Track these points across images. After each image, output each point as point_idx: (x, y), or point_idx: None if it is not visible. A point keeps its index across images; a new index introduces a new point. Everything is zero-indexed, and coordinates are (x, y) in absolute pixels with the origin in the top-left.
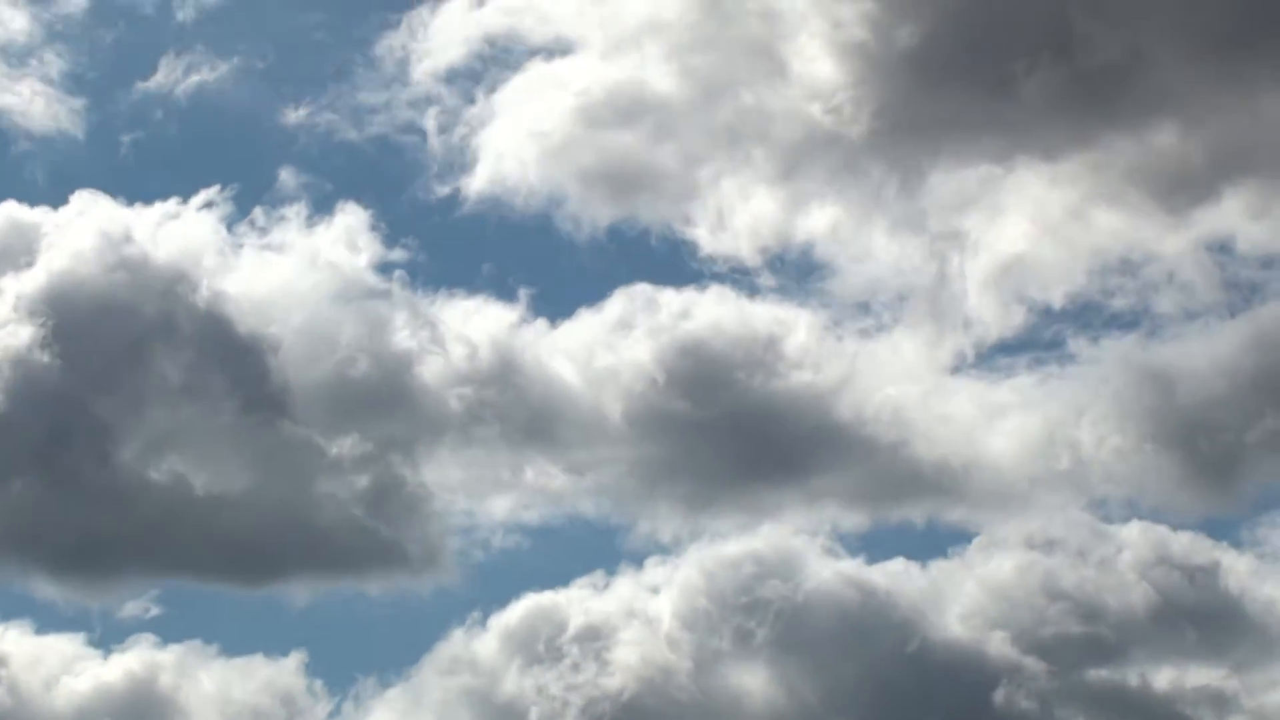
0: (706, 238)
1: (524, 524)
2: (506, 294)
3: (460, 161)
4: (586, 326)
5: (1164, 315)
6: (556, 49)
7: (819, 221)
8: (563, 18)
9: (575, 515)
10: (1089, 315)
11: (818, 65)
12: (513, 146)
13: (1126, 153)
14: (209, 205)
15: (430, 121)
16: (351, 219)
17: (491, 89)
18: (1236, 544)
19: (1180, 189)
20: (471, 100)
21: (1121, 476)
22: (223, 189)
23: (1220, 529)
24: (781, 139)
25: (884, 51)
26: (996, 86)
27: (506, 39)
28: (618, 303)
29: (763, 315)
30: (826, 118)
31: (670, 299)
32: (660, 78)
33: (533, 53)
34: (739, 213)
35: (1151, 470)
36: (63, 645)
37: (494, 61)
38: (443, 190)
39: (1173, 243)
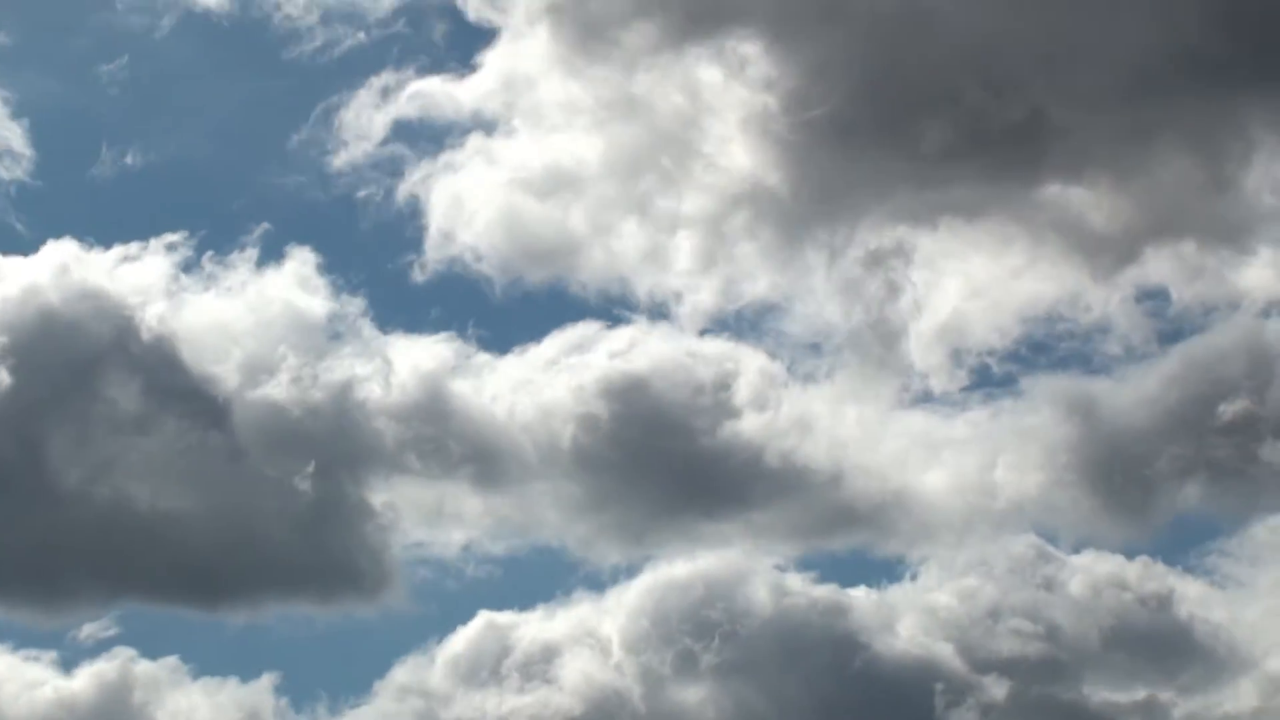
0: (644, 323)
1: (476, 551)
2: (454, 332)
3: (401, 229)
4: (533, 361)
5: (1101, 359)
6: (486, 127)
7: (755, 287)
8: (486, 101)
9: (525, 543)
10: (1022, 362)
11: (739, 140)
12: (454, 216)
13: (1047, 211)
14: (170, 248)
15: (370, 190)
16: (302, 265)
17: (427, 162)
18: (1188, 570)
19: (1104, 246)
20: (408, 171)
21: (1062, 509)
22: (188, 235)
23: (1170, 555)
24: (711, 213)
25: (804, 124)
26: (912, 153)
27: (440, 117)
28: (565, 337)
29: (709, 352)
30: (751, 189)
31: (618, 334)
32: (587, 155)
33: (467, 130)
34: (675, 293)
35: (1088, 502)
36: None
37: (429, 136)
38: (390, 251)
39: (1102, 295)
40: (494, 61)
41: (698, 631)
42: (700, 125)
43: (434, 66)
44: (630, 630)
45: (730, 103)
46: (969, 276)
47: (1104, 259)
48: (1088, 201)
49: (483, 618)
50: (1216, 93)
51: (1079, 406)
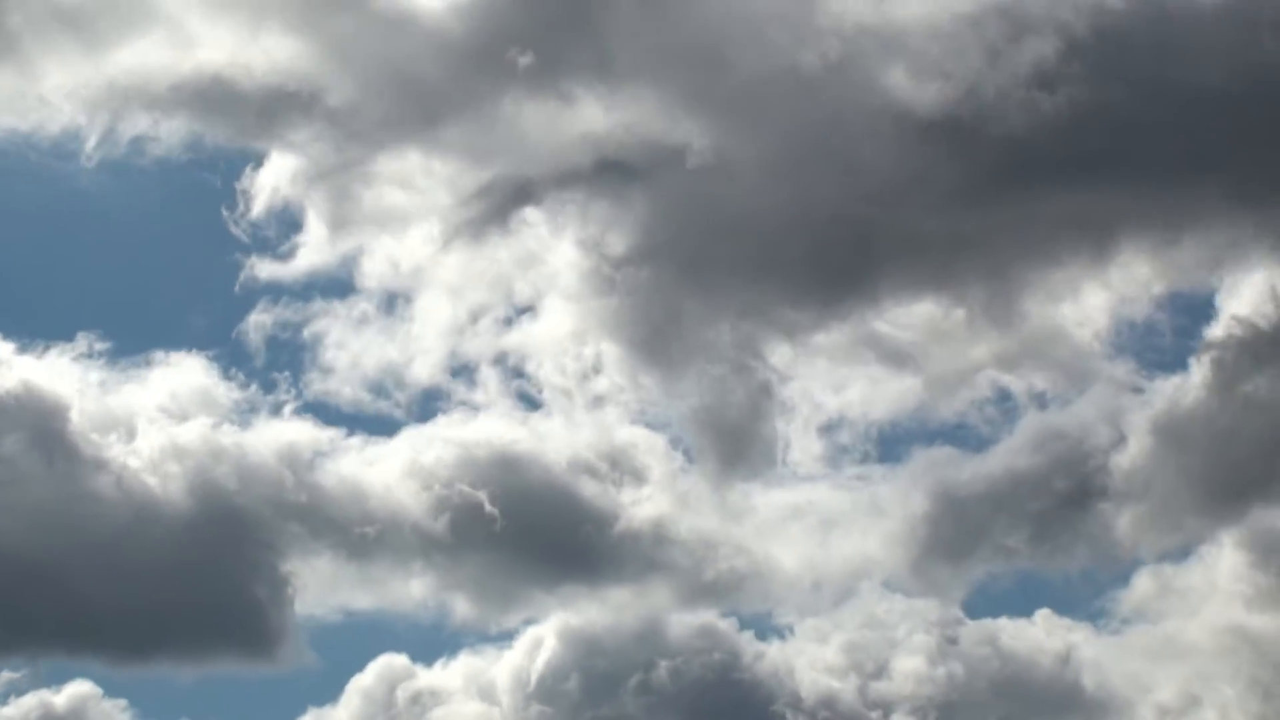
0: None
1: (376, 611)
2: (344, 424)
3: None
4: (417, 441)
5: (958, 439)
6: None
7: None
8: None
9: (418, 605)
10: (881, 445)
11: (588, 282)
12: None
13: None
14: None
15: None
16: (197, 370)
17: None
18: (1079, 622)
19: (941, 366)
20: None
21: (939, 574)
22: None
23: (1066, 607)
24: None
25: (651, 260)
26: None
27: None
28: (448, 421)
29: (592, 434)
30: (601, 338)
31: (496, 420)
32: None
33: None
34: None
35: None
36: None
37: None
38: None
39: (950, 397)
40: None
41: (586, 685)
42: (532, 280)
43: (259, 248)
44: (519, 685)
45: (561, 260)
46: (826, 381)
47: (942, 378)
48: (915, 325)
49: (379, 672)
50: (1007, 226)
51: (938, 481)
